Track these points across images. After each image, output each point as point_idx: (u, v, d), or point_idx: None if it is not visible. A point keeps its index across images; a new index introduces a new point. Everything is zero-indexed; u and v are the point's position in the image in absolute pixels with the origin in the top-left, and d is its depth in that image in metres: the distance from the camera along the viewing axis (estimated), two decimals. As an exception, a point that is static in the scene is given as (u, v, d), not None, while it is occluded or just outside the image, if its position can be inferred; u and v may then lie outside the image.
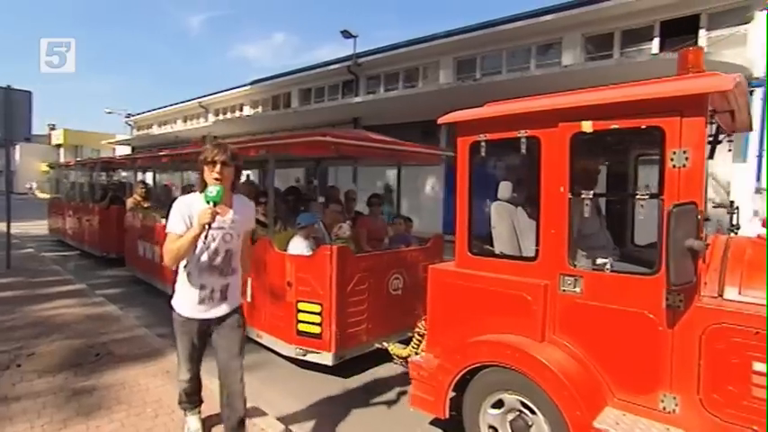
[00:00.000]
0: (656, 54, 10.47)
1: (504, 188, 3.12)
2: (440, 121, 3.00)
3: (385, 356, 3.89)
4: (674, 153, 2.15)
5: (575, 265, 2.51)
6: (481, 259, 2.93)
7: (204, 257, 2.47)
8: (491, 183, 3.22)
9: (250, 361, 4.34)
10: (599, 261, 2.52)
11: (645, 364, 2.31)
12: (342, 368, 4.14)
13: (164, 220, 7.22)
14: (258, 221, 4.83)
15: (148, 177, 11.18)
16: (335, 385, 3.98)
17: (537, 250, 2.66)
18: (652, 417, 2.30)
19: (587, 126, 2.37)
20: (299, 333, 4.14)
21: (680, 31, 10.60)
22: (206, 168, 2.41)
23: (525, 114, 2.64)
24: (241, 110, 22.64)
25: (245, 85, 21.34)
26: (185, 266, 2.51)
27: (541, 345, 2.56)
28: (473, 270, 2.92)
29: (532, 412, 2.53)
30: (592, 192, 2.47)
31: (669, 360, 2.25)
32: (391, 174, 11.00)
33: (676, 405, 2.24)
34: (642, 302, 2.29)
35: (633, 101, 2.22)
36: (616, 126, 2.29)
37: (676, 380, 2.25)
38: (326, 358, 4.06)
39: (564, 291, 2.53)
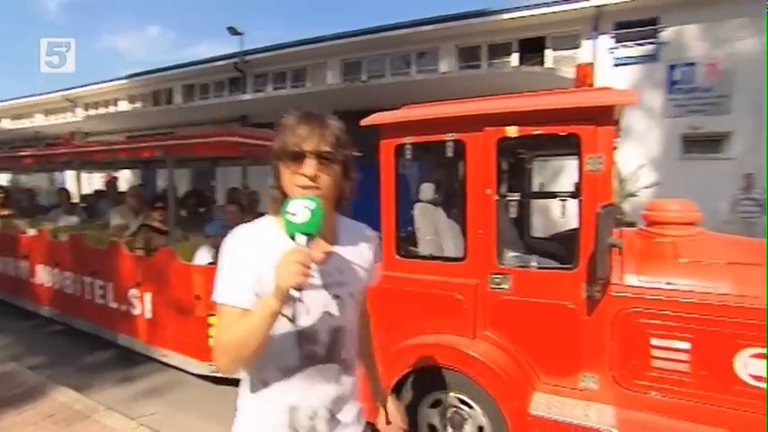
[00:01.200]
0: (516, 66, 11.55)
1: (427, 189, 3.07)
2: (363, 122, 2.83)
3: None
4: (590, 158, 2.26)
5: (503, 264, 2.54)
6: (409, 261, 2.83)
7: (292, 348, 1.15)
8: (416, 185, 3.14)
9: (156, 384, 3.77)
10: (525, 259, 2.58)
11: (567, 349, 2.43)
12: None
13: (31, 230, 6.05)
14: (155, 228, 4.21)
15: (2, 179, 9.26)
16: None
17: (465, 250, 2.65)
18: (574, 396, 2.42)
19: (512, 131, 2.39)
20: (212, 348, 3.67)
21: (533, 49, 11.81)
22: (286, 167, 1.12)
23: (451, 119, 2.59)
24: (116, 104, 19.95)
25: (120, 79, 18.81)
26: (256, 370, 1.18)
27: (474, 342, 2.55)
28: (401, 273, 2.82)
29: (469, 407, 2.51)
30: (518, 193, 2.51)
31: (587, 344, 2.38)
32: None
33: (594, 383, 2.38)
34: (564, 295, 2.39)
35: (555, 109, 2.28)
36: (539, 132, 2.35)
37: (593, 361, 2.39)
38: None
39: (493, 288, 2.55)
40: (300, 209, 0.98)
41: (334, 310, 1.16)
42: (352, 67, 14.05)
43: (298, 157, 1.08)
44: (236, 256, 1.12)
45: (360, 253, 1.26)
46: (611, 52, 10.95)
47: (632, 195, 9.82)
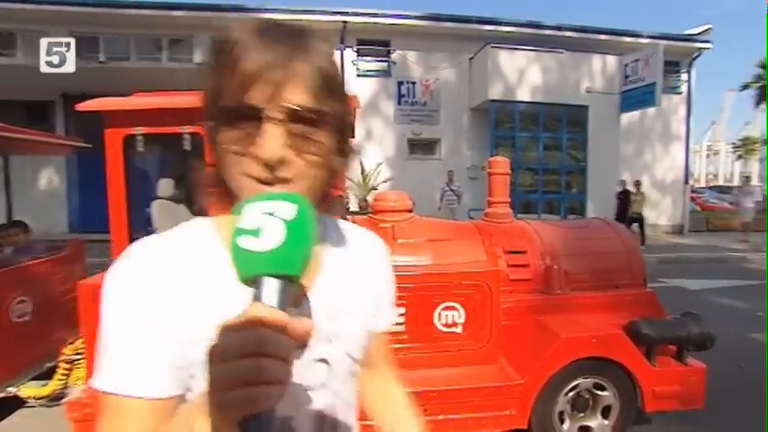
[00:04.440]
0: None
1: (165, 185, 2.75)
2: (80, 107, 2.32)
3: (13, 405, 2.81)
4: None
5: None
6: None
7: None
8: (148, 178, 2.77)
9: None
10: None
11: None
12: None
13: None
14: None
15: None
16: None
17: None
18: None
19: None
20: None
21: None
22: (224, 136, 0.51)
23: (185, 110, 2.37)
24: None
25: None
26: None
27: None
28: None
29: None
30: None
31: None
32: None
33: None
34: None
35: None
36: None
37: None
38: None
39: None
40: (265, 223, 0.42)
41: (317, 383, 0.61)
42: (89, 44, 11.57)
43: (246, 118, 0.50)
44: (132, 303, 0.54)
45: (364, 281, 0.70)
46: (354, 64, 12.15)
47: (374, 189, 11.21)
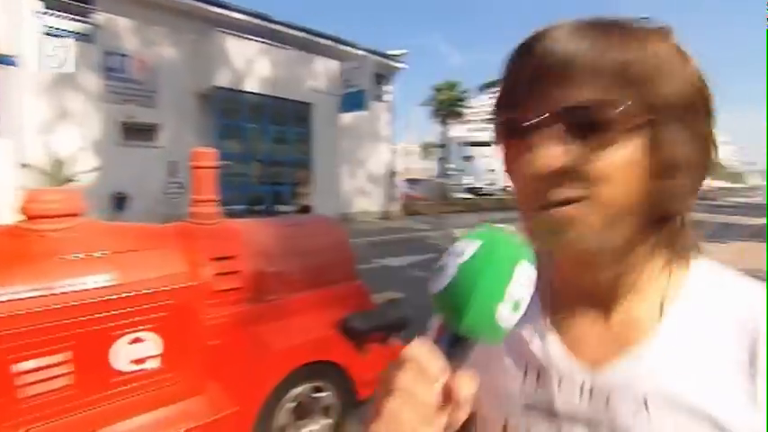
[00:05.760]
0: None
1: None
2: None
3: None
4: None
5: None
6: None
7: None
8: None
9: None
10: None
11: None
12: None
13: None
14: None
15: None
16: None
17: None
18: None
19: None
20: None
21: None
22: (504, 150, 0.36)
23: None
24: None
25: None
26: None
27: None
28: None
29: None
30: None
31: None
32: None
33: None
34: None
35: None
36: None
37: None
38: None
39: None
40: (447, 262, 0.34)
41: None
42: None
43: (510, 129, 0.40)
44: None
45: (711, 373, 0.37)
46: (40, 17, 9.07)
47: (71, 180, 8.71)
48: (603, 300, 0.44)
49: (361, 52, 14.59)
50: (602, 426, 0.41)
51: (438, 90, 26.25)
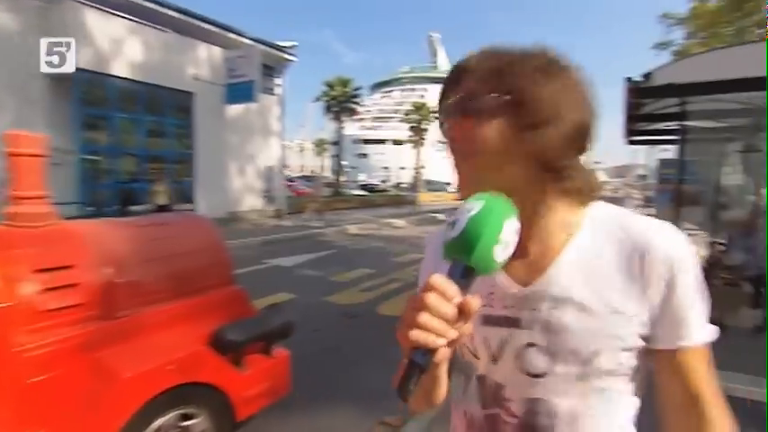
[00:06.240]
0: None
1: None
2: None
3: None
4: None
5: None
6: None
7: (474, 399, 0.67)
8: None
9: None
10: None
11: None
12: None
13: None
14: None
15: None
16: None
17: None
18: None
19: None
20: None
21: None
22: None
23: None
24: None
25: None
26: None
27: None
28: None
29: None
30: None
31: None
32: None
33: None
34: None
35: None
36: None
37: None
38: None
39: None
40: (459, 217, 0.50)
41: (535, 368, 0.61)
42: None
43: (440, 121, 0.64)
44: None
45: (606, 280, 0.59)
46: None
47: None
48: (529, 237, 0.60)
49: (248, 41, 13.70)
50: (534, 323, 0.60)
51: (330, 86, 26.01)
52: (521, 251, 0.58)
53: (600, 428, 0.60)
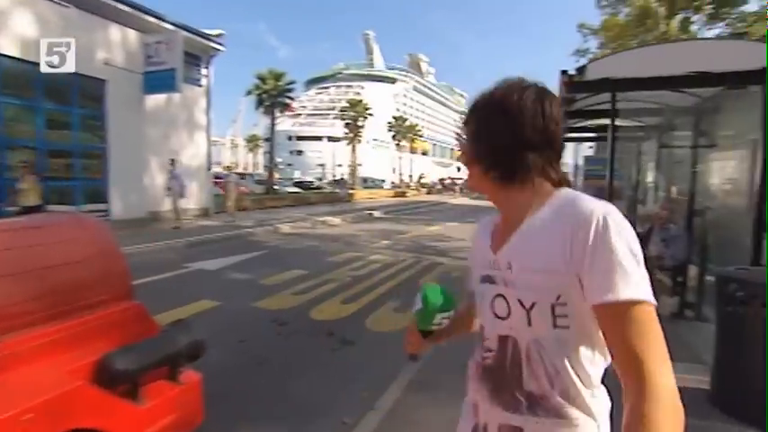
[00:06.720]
0: None
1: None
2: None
3: None
4: None
5: None
6: None
7: (479, 339, 0.91)
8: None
9: None
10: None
11: None
12: None
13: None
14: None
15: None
16: None
17: None
18: None
19: None
20: None
21: None
22: None
23: None
24: None
25: None
26: None
27: None
28: None
29: None
30: None
31: None
32: None
33: None
34: None
35: None
36: None
37: None
38: None
39: None
40: (415, 306, 0.99)
41: (501, 313, 0.82)
42: None
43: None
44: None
45: (546, 244, 0.74)
46: None
47: None
48: (506, 219, 0.84)
49: (169, 26, 12.57)
50: (499, 280, 0.80)
51: (262, 79, 24.84)
52: (502, 229, 0.85)
53: (552, 359, 0.74)
